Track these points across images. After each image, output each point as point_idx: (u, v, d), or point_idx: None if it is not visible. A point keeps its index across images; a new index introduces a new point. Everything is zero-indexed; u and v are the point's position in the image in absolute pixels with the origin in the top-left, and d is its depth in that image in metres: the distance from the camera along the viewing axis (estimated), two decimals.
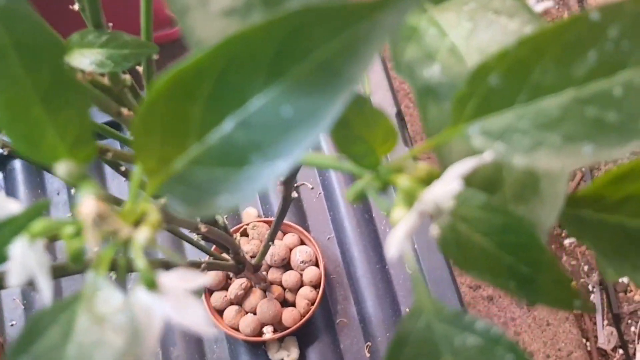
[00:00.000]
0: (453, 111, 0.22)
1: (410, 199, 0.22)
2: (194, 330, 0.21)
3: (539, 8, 0.31)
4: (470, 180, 0.25)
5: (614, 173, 0.25)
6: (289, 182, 0.56)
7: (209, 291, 0.90)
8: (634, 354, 1.37)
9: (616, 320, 1.38)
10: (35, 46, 0.20)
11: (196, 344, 0.95)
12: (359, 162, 0.23)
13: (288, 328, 0.88)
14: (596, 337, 1.38)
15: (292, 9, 0.18)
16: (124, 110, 0.39)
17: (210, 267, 0.64)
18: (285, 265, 0.93)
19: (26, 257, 0.21)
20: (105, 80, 0.39)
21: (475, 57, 0.26)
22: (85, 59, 0.35)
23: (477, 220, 0.23)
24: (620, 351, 1.35)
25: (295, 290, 0.91)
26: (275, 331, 0.89)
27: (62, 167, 0.21)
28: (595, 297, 1.37)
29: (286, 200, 0.62)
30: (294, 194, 0.64)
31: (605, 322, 1.38)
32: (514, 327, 1.36)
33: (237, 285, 0.90)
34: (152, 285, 0.21)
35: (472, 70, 0.22)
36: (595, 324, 1.39)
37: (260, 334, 0.89)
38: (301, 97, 0.19)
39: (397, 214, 0.23)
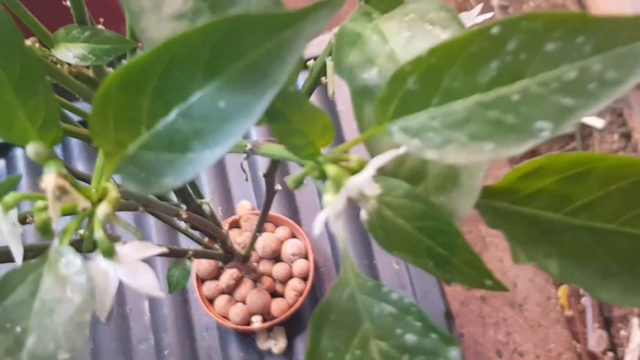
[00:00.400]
0: (378, 111, 0.26)
1: (337, 186, 0.26)
2: (144, 292, 0.24)
3: (480, 19, 0.35)
4: (397, 172, 0.28)
5: (525, 169, 0.28)
6: (271, 174, 0.59)
7: (201, 280, 0.94)
8: (623, 357, 1.39)
9: (606, 324, 1.39)
10: (7, 43, 0.23)
11: (187, 331, 0.98)
12: (298, 153, 0.27)
13: (277, 318, 0.91)
14: (586, 339, 1.40)
15: (226, 16, 0.21)
16: None
17: (197, 255, 0.67)
18: (276, 257, 0.96)
19: (0, 225, 0.24)
20: (90, 73, 0.42)
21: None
22: (69, 53, 0.38)
23: (400, 207, 0.27)
24: (610, 354, 1.37)
25: (284, 281, 0.94)
26: (264, 321, 0.92)
27: (31, 148, 0.24)
28: (586, 300, 1.39)
29: (270, 192, 0.65)
30: (279, 187, 0.67)
31: (596, 325, 1.40)
32: (506, 327, 1.39)
33: (229, 275, 0.93)
34: (108, 253, 0.24)
35: (392, 74, 0.25)
36: (585, 326, 1.41)
37: (249, 323, 0.92)
38: (234, 94, 0.22)
39: (326, 198, 0.26)
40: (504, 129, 0.24)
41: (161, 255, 0.89)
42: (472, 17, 0.35)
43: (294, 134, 0.26)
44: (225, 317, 0.93)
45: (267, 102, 0.22)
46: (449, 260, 0.27)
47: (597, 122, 1.50)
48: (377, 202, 0.27)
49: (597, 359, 1.36)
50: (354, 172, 0.27)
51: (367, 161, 0.27)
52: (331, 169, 0.26)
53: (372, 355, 0.26)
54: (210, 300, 0.94)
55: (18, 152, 1.06)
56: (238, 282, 0.94)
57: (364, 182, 0.25)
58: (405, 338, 0.26)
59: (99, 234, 0.24)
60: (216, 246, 0.77)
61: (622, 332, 1.40)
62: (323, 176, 0.27)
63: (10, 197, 0.24)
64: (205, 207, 0.65)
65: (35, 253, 0.33)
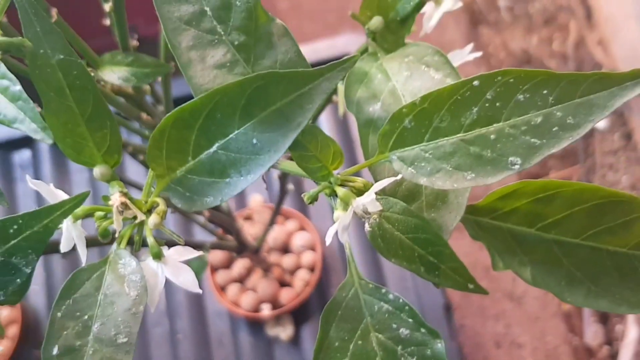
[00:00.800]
0: (380, 142, 0.31)
1: (345, 204, 0.31)
2: (186, 288, 0.30)
3: (471, 57, 0.40)
4: (396, 191, 0.34)
5: (502, 192, 0.34)
6: (284, 178, 0.65)
7: (213, 269, 0.99)
8: (618, 351, 1.42)
9: (603, 318, 1.43)
10: (82, 86, 0.29)
11: (200, 317, 1.04)
12: (313, 175, 0.32)
13: (285, 306, 0.97)
14: (583, 333, 1.44)
15: (259, 72, 0.27)
16: (143, 115, 0.48)
17: (214, 246, 0.73)
18: (286, 249, 1.01)
19: (71, 231, 0.30)
20: (130, 90, 0.48)
21: (408, 98, 0.35)
22: (114, 74, 0.44)
23: (398, 221, 0.32)
24: (606, 348, 1.41)
25: (293, 272, 1.00)
26: (273, 309, 0.97)
27: (97, 170, 0.30)
28: None
29: (283, 192, 0.71)
30: (291, 187, 0.73)
31: (593, 319, 1.43)
32: (505, 319, 1.44)
33: (240, 265, 0.99)
34: (158, 256, 0.30)
35: (392, 115, 0.31)
36: (582, 320, 1.44)
37: (259, 310, 0.98)
38: (264, 133, 0.28)
39: (336, 215, 0.31)
40: (483, 162, 0.30)
41: None
42: (464, 55, 0.40)
43: (309, 160, 0.31)
44: (236, 305, 0.98)
45: (291, 139, 0.27)
46: (438, 267, 0.32)
47: (599, 123, 1.54)
48: (378, 217, 0.32)
49: (593, 352, 1.40)
50: (359, 191, 0.32)
51: (370, 183, 0.33)
52: (340, 191, 0.31)
53: (372, 345, 0.32)
54: (223, 288, 1.00)
55: (43, 145, 1.12)
56: (249, 271, 0.99)
57: (368, 202, 0.30)
58: (400, 331, 0.31)
59: (150, 240, 0.30)
60: (230, 237, 0.83)
61: (618, 327, 1.43)
62: (333, 194, 0.33)
63: (79, 210, 0.30)
64: (223, 204, 0.70)
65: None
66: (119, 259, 0.30)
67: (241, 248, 0.82)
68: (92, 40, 0.46)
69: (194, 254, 0.31)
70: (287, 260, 0.99)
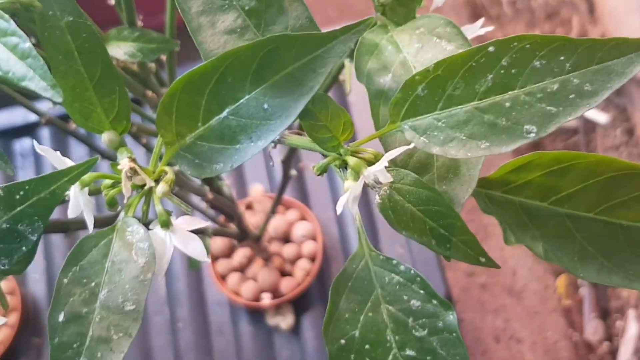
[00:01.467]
0: (392, 111, 0.31)
1: (356, 174, 0.31)
2: (195, 257, 0.29)
3: (482, 31, 0.40)
4: (407, 163, 0.33)
5: (515, 164, 0.33)
6: (288, 161, 0.64)
7: (215, 258, 0.99)
8: (618, 347, 1.42)
9: (603, 314, 1.42)
10: (91, 49, 0.29)
11: (200, 305, 1.03)
12: (323, 146, 0.32)
13: (285, 296, 0.96)
14: (583, 328, 1.43)
15: (271, 35, 0.26)
16: (148, 92, 0.47)
17: (216, 233, 0.73)
18: (287, 238, 1.01)
19: (78, 198, 0.29)
20: (135, 67, 0.47)
21: (420, 69, 0.34)
22: (120, 50, 0.43)
23: (409, 193, 0.32)
24: (606, 344, 1.40)
25: (294, 261, 0.99)
26: (273, 298, 0.97)
27: (106, 136, 0.29)
28: (584, 290, 1.42)
29: (286, 177, 0.71)
30: (294, 172, 0.72)
31: (593, 314, 1.43)
32: (504, 314, 1.43)
33: (241, 254, 0.98)
34: (166, 224, 0.29)
35: (405, 82, 0.30)
36: (582, 316, 1.44)
37: (259, 299, 0.97)
38: (276, 98, 0.27)
39: (347, 184, 0.31)
40: (497, 131, 0.29)
41: None
42: (475, 29, 0.40)
43: (320, 129, 0.31)
44: (237, 294, 0.98)
45: (302, 105, 0.27)
46: (449, 240, 0.32)
47: (601, 117, 1.54)
48: (389, 188, 0.32)
49: (593, 348, 1.39)
50: (370, 163, 0.32)
51: (381, 154, 0.32)
52: (351, 160, 0.31)
53: (383, 317, 0.31)
54: (223, 277, 0.99)
55: (45, 133, 1.11)
56: (250, 260, 0.99)
57: (379, 171, 0.30)
58: (411, 303, 0.31)
59: (158, 208, 0.30)
60: (231, 225, 0.82)
61: (619, 323, 1.43)
62: (343, 165, 0.33)
63: (87, 177, 0.29)
64: (225, 189, 0.70)
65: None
66: (127, 227, 0.29)
67: (243, 235, 0.81)
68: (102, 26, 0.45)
69: (202, 223, 0.30)
70: (288, 250, 0.99)
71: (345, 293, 0.31)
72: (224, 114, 0.28)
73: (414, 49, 0.35)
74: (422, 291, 0.31)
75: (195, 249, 0.29)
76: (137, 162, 0.30)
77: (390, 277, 0.31)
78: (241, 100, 0.27)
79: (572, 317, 1.42)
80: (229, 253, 1.00)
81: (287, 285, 0.97)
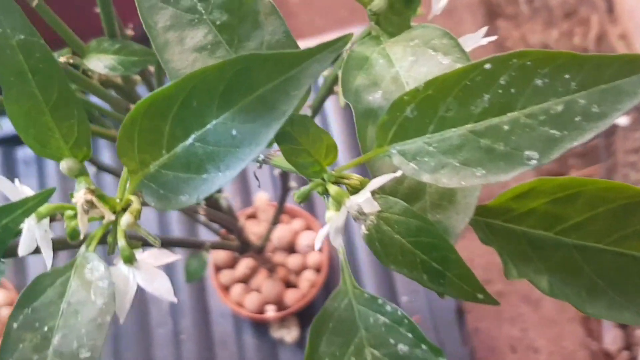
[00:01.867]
0: (378, 134, 0.28)
1: (338, 204, 0.28)
2: (160, 296, 0.27)
3: (484, 42, 0.37)
4: (397, 190, 0.30)
5: (516, 191, 0.30)
6: (285, 175, 0.62)
7: (217, 269, 0.97)
8: (637, 356, 1.38)
9: (623, 323, 1.39)
10: (46, 70, 0.26)
11: (203, 317, 1.01)
12: (304, 171, 0.29)
13: (290, 308, 0.94)
14: (601, 338, 1.40)
15: (240, 55, 0.24)
16: (132, 107, 0.45)
17: (214, 246, 0.70)
18: (291, 249, 0.98)
19: (34, 232, 0.27)
20: (119, 80, 0.45)
21: (412, 85, 0.31)
22: (100, 63, 0.41)
23: (397, 223, 0.29)
24: (625, 353, 1.37)
25: (299, 272, 0.97)
26: (278, 310, 0.94)
27: (64, 164, 0.27)
28: None
29: (284, 189, 0.68)
30: (294, 184, 0.70)
31: (612, 324, 1.39)
32: (521, 323, 1.39)
33: (244, 264, 0.96)
34: (129, 260, 0.27)
35: (392, 103, 0.27)
36: (601, 325, 1.40)
37: (264, 311, 0.95)
38: (245, 123, 0.24)
39: (328, 215, 0.28)
40: (495, 157, 0.27)
41: (180, 246, 0.91)
42: (477, 39, 0.37)
43: (300, 154, 0.28)
44: (240, 305, 0.95)
45: (274, 131, 0.24)
46: (443, 274, 0.29)
47: (621, 120, 1.50)
48: (375, 218, 0.29)
49: (612, 357, 1.36)
50: (355, 189, 0.29)
51: (368, 180, 0.29)
52: (332, 189, 0.28)
53: None
54: (226, 288, 0.97)
55: None
56: (253, 271, 0.96)
57: (363, 202, 0.27)
58: (398, 348, 0.28)
59: (121, 242, 0.27)
60: (233, 237, 0.80)
61: (638, 332, 1.39)
62: (327, 192, 0.30)
63: (43, 208, 0.27)
64: (223, 202, 0.67)
65: (63, 245, 0.35)
66: (87, 263, 0.27)
67: (244, 248, 0.79)
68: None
69: (170, 257, 0.28)
70: (293, 261, 0.96)
71: (326, 335, 0.28)
72: (190, 140, 0.25)
73: (408, 63, 0.32)
74: (410, 334, 0.28)
75: (161, 287, 0.27)
76: (98, 191, 0.27)
77: (376, 318, 0.28)
78: (208, 126, 0.25)
79: (590, 326, 1.39)
80: (232, 264, 0.98)
81: (292, 297, 0.95)
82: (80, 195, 0.26)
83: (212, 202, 0.64)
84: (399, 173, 0.27)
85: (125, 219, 0.27)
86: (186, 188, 0.25)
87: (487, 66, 0.26)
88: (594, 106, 0.26)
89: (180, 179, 0.25)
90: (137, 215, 0.28)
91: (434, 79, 0.26)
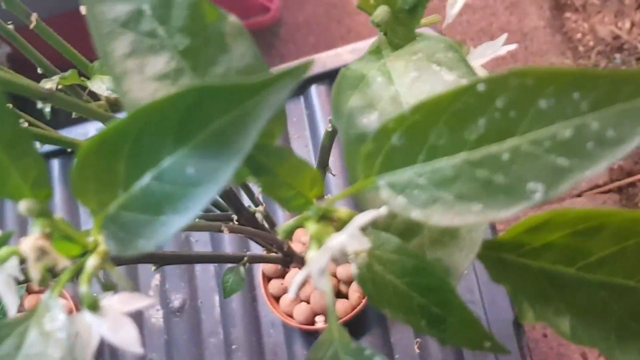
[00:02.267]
0: (363, 164, 0.25)
1: (319, 244, 0.25)
2: (125, 348, 0.24)
3: (503, 51, 0.33)
4: (390, 224, 0.27)
5: (530, 223, 0.27)
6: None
7: (267, 278, 0.95)
8: None
9: None
10: None
11: (254, 327, 1.00)
12: (286, 205, 0.26)
13: (340, 318, 0.91)
14: None
15: (192, 86, 0.21)
16: None
17: (253, 260, 0.68)
18: None
19: None
20: None
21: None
22: (103, 85, 0.39)
23: (391, 262, 0.26)
24: None
25: (348, 282, 0.94)
26: (327, 320, 0.92)
27: (24, 204, 0.25)
28: None
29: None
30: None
31: None
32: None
33: (293, 274, 0.94)
34: (92, 307, 0.25)
35: (377, 130, 0.24)
36: None
37: (313, 322, 0.93)
38: (202, 161, 0.22)
39: (309, 255, 0.25)
40: (493, 190, 0.23)
41: (214, 262, 0.90)
42: (496, 48, 0.33)
43: (280, 187, 0.26)
44: (290, 316, 0.93)
45: (233, 169, 0.22)
46: (444, 319, 0.26)
47: None
48: (367, 256, 0.26)
49: None
50: (343, 224, 0.26)
51: (356, 213, 0.26)
52: (312, 227, 0.25)
53: None
54: (276, 299, 0.95)
55: (54, 163, 1.09)
56: (303, 281, 0.94)
57: (346, 240, 0.24)
58: None
59: (83, 288, 0.25)
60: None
61: None
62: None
63: (3, 252, 0.25)
64: (258, 216, 0.65)
65: None
66: (47, 312, 0.25)
67: (286, 260, 0.76)
68: None
69: (142, 302, 0.25)
70: (342, 270, 0.94)
71: None
72: (147, 179, 0.23)
73: (409, 80, 0.29)
74: None
75: (127, 337, 0.24)
76: (64, 229, 0.25)
77: None
78: (163, 164, 0.22)
79: None
80: (282, 274, 0.96)
81: (342, 308, 0.92)
82: (29, 241, 0.24)
83: (247, 217, 0.62)
84: (383, 210, 0.24)
85: (92, 262, 0.25)
86: (144, 231, 0.23)
87: (481, 87, 0.22)
88: (609, 130, 0.22)
89: (140, 220, 0.23)
90: (105, 257, 0.25)
91: (422, 103, 0.23)
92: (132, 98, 0.24)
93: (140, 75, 0.24)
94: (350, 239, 0.24)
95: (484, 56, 0.32)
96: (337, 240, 0.24)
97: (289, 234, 0.27)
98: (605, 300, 0.27)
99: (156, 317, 1.06)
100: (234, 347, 1.00)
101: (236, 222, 0.61)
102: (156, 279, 1.08)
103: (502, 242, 0.27)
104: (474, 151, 0.23)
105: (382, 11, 0.31)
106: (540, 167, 0.22)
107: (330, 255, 0.25)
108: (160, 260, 0.56)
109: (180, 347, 1.02)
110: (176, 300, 1.05)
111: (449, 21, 0.34)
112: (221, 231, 0.51)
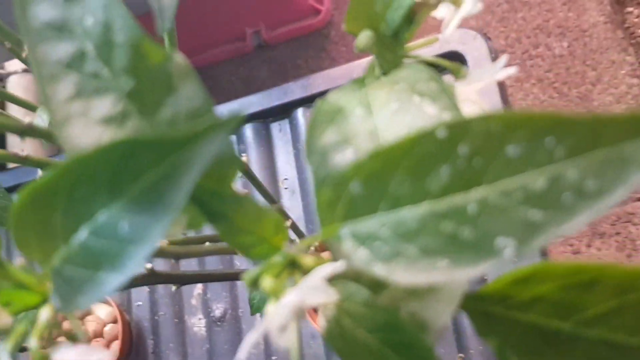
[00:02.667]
0: (325, 211, 0.23)
1: (276, 297, 0.23)
2: None
3: (503, 75, 0.30)
4: (361, 274, 0.25)
5: (516, 275, 0.24)
6: None
7: None
8: None
9: None
10: None
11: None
12: (247, 253, 0.24)
13: None
14: None
15: (122, 138, 0.19)
16: None
17: None
18: None
19: None
20: None
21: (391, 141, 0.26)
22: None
23: (360, 316, 0.24)
24: None
25: None
26: None
27: None
28: None
29: None
30: None
31: None
32: None
33: None
34: None
35: (335, 177, 0.22)
36: None
37: None
38: (136, 216, 0.20)
39: (268, 309, 0.23)
40: (460, 244, 0.20)
41: (231, 280, 0.89)
42: (495, 71, 0.30)
43: (239, 234, 0.24)
44: None
45: (165, 225, 0.20)
46: None
47: None
48: (335, 308, 0.24)
49: None
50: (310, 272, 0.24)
51: (326, 260, 0.24)
52: (266, 282, 0.23)
53: None
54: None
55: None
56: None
57: (304, 296, 0.22)
58: None
59: (32, 342, 0.24)
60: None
61: None
62: (284, 273, 0.25)
63: None
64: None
65: None
66: None
67: None
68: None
69: (98, 355, 0.24)
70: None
71: None
72: (84, 233, 0.21)
73: (389, 112, 0.27)
74: None
75: None
76: (16, 279, 0.24)
77: None
78: (99, 218, 0.21)
79: None
80: None
81: None
82: None
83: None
84: (339, 265, 0.22)
85: (45, 313, 0.24)
86: (84, 287, 0.22)
87: (441, 134, 0.20)
88: (589, 179, 0.19)
89: (82, 275, 0.22)
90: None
91: (379, 151, 0.21)
92: (75, 144, 0.23)
93: (84, 119, 0.23)
94: (312, 292, 0.22)
95: (480, 80, 0.30)
96: (293, 296, 0.22)
97: (254, 282, 0.25)
98: (608, 358, 0.24)
99: (198, 325, 1.06)
100: (274, 358, 0.99)
101: None
102: (199, 288, 1.08)
103: (487, 294, 0.25)
104: (438, 201, 0.21)
105: (364, 37, 0.28)
106: (511, 221, 0.20)
107: (290, 310, 0.23)
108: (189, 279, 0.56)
109: (222, 357, 1.02)
110: (217, 310, 1.05)
111: (443, 39, 0.31)
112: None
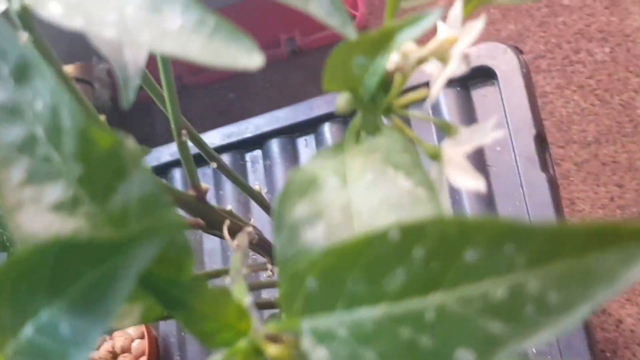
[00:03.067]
0: (285, 303, 0.22)
1: None
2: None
3: (488, 139, 0.28)
4: None
5: None
6: None
7: None
8: None
9: None
10: None
11: None
12: (209, 341, 0.23)
13: None
14: None
15: (58, 238, 0.19)
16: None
17: None
18: None
19: None
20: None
21: (363, 218, 0.24)
22: None
23: None
24: None
25: None
26: None
27: None
28: None
29: None
30: None
31: None
32: None
33: None
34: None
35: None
36: None
37: None
38: (76, 318, 0.20)
39: None
40: (419, 353, 0.19)
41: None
42: (484, 135, 0.28)
43: (200, 321, 0.23)
44: None
45: (101, 330, 0.19)
46: None
47: None
48: None
49: None
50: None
51: (294, 342, 0.23)
52: None
53: None
54: None
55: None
56: None
57: None
58: None
59: None
60: None
61: None
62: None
63: None
64: None
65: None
66: None
67: None
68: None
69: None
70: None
71: None
72: (30, 330, 0.21)
73: (364, 184, 0.25)
74: None
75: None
76: None
77: None
78: (42, 316, 0.20)
79: None
80: None
81: None
82: None
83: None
84: None
85: None
86: None
87: (393, 236, 0.18)
88: (552, 293, 0.17)
89: None
90: None
91: (333, 248, 0.19)
92: (25, 232, 0.22)
93: (35, 206, 0.22)
94: None
95: (470, 142, 0.28)
96: None
97: None
98: None
99: None
100: None
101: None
102: None
103: None
104: (395, 304, 0.19)
105: (342, 100, 0.27)
106: (470, 332, 0.18)
107: None
108: None
109: None
110: None
111: (432, 100, 0.30)
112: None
